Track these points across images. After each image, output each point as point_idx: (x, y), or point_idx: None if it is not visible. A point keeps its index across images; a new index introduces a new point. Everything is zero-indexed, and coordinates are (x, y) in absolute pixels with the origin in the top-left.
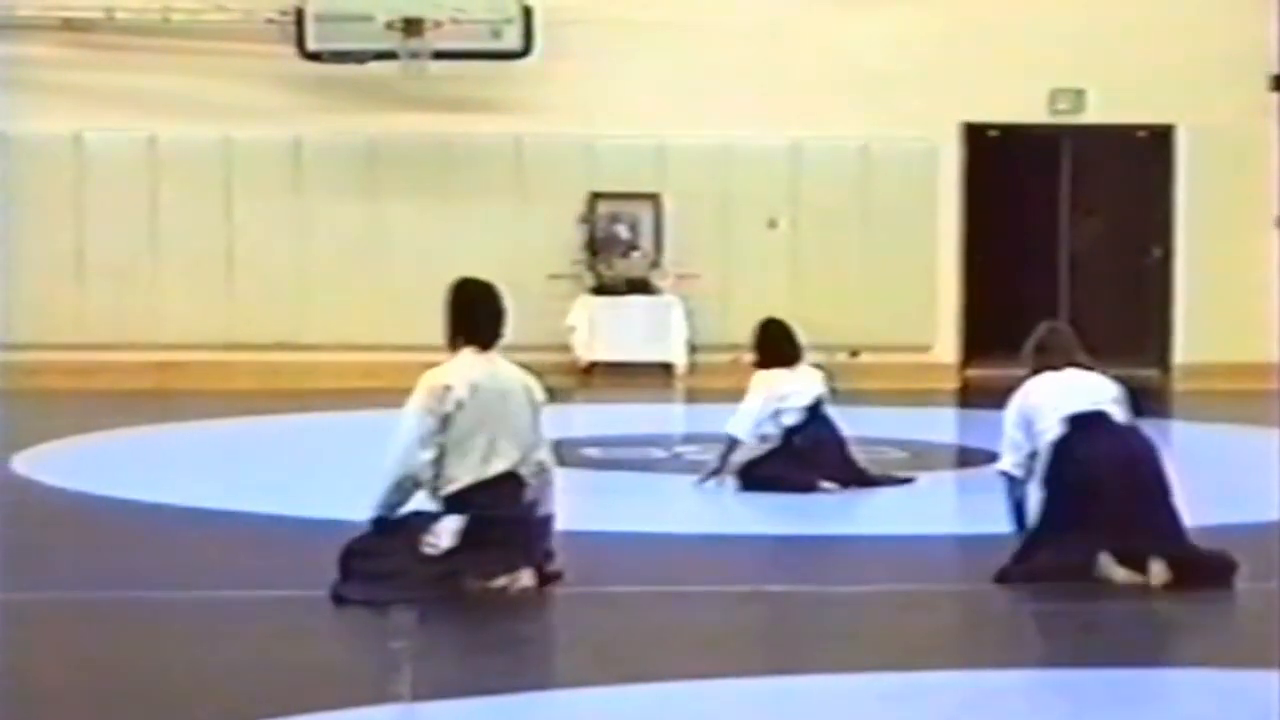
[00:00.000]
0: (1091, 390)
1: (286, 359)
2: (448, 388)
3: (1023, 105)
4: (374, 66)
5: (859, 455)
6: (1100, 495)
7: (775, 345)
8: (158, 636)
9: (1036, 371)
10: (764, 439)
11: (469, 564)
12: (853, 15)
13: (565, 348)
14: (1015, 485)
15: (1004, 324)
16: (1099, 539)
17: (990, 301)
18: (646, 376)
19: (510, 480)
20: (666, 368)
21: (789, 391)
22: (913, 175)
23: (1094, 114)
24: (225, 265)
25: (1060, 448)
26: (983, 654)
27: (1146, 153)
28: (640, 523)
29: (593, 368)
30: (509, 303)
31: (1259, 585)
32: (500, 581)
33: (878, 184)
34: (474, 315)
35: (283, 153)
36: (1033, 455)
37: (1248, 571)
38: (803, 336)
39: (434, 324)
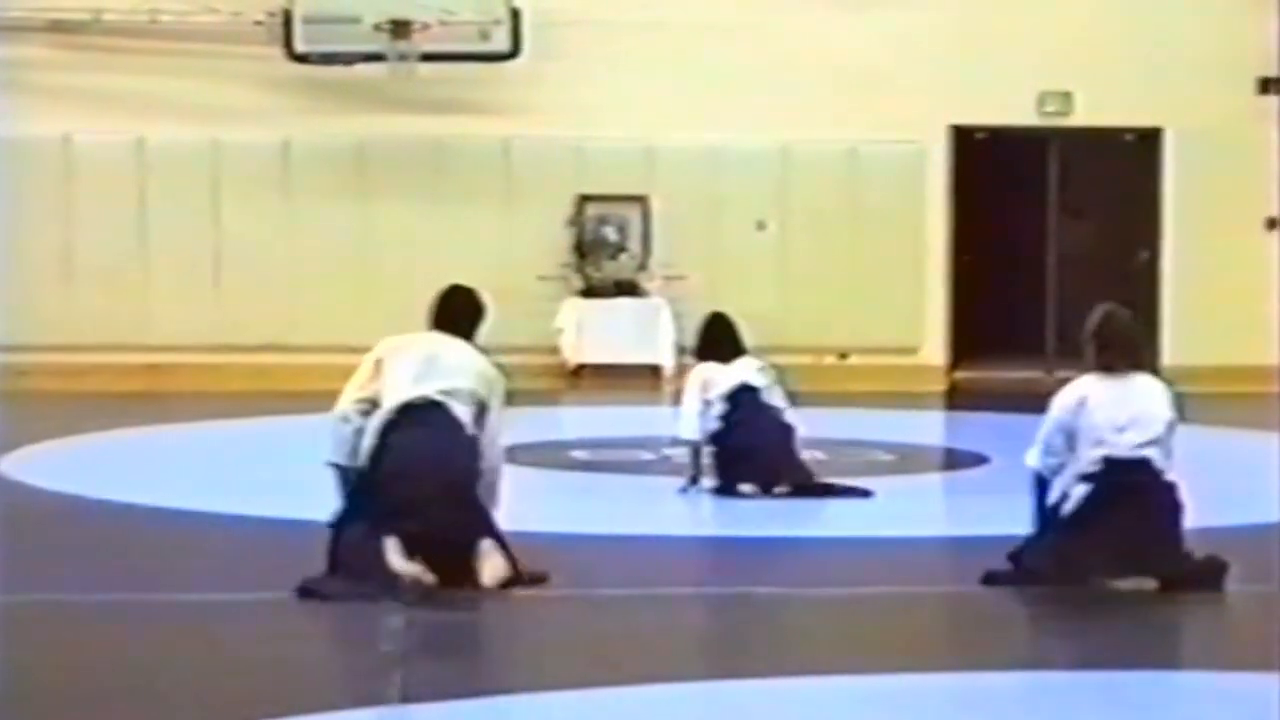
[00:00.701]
0: (1144, 421)
1: (276, 360)
2: (386, 340)
3: (1011, 107)
4: (362, 68)
5: (815, 459)
6: (1112, 532)
7: (712, 339)
8: (145, 638)
9: (1097, 368)
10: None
11: (401, 503)
12: (841, 18)
13: (553, 350)
14: (1041, 482)
15: (992, 326)
16: (1096, 564)
17: (978, 304)
18: (634, 378)
19: (443, 413)
20: (654, 370)
21: (709, 380)
22: (901, 177)
23: (1082, 116)
24: (214, 267)
25: (1089, 479)
26: (972, 656)
27: (1134, 155)
28: (629, 525)
29: (581, 370)
30: (496, 304)
31: (1251, 588)
32: (431, 580)
33: (866, 186)
34: (445, 307)
35: (271, 154)
36: (1063, 464)
37: (1238, 573)
38: (783, 338)
39: (421, 326)
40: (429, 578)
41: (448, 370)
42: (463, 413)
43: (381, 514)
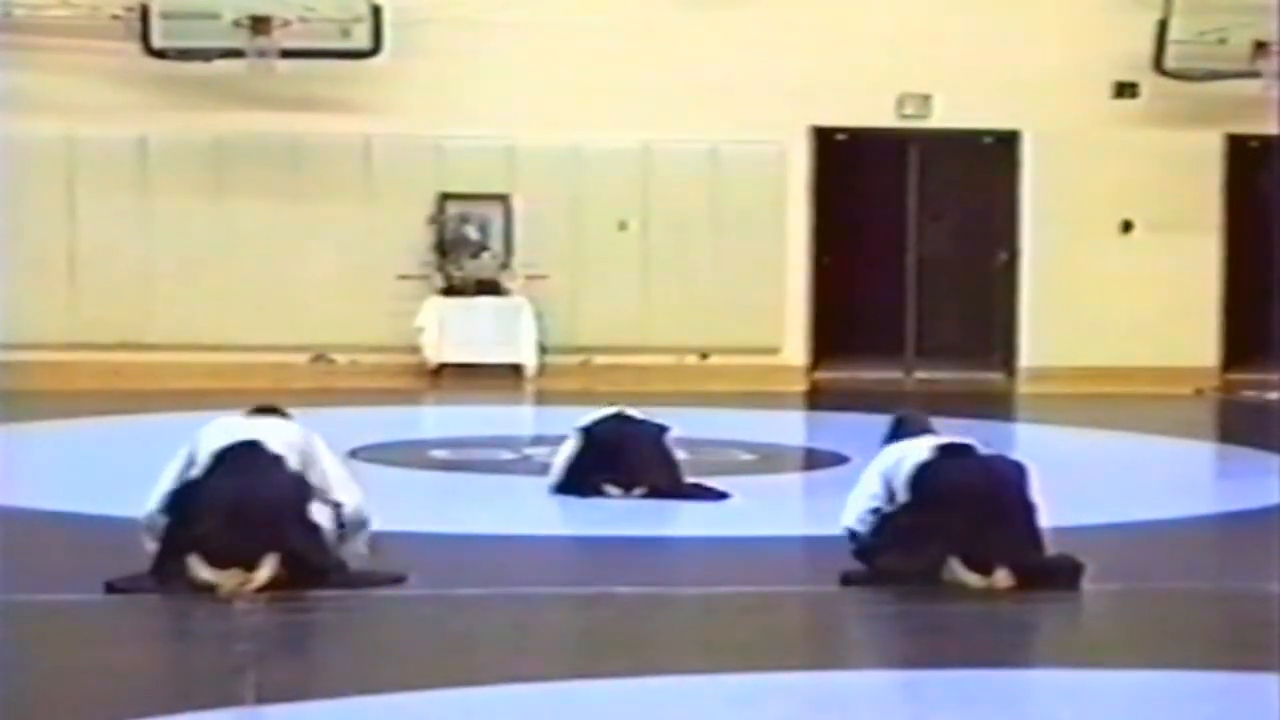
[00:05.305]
0: (959, 438)
1: (130, 359)
2: (191, 462)
3: (870, 109)
4: (221, 64)
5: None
6: (957, 510)
7: None
8: None
9: (896, 439)
10: None
11: (192, 539)
12: (702, 18)
13: (414, 349)
14: (859, 539)
15: (852, 327)
16: (949, 547)
17: (838, 304)
18: (495, 378)
19: (259, 451)
20: (515, 369)
21: None
22: (762, 178)
23: (940, 119)
24: (68, 264)
25: (925, 466)
26: (829, 655)
27: (992, 157)
28: (489, 525)
29: (442, 369)
30: (357, 303)
31: (1106, 586)
32: (225, 576)
33: (727, 186)
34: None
35: (128, 151)
36: (876, 511)
37: (1094, 572)
38: (645, 338)
39: (279, 324)
40: (247, 580)
41: (260, 431)
42: (282, 450)
43: (186, 531)
